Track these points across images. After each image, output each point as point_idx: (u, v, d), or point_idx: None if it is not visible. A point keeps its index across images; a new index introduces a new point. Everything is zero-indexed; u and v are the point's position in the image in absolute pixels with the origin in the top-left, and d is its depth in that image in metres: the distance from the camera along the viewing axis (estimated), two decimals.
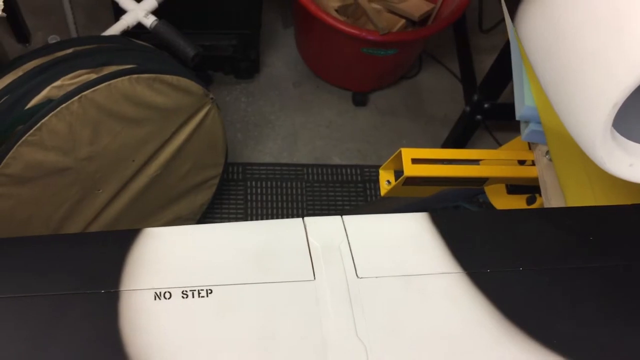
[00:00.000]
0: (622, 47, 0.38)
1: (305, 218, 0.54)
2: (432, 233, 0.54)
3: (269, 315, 0.47)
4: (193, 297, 0.47)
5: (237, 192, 1.94)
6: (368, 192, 1.98)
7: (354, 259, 0.51)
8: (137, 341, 0.43)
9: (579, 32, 0.41)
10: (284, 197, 1.95)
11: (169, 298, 0.46)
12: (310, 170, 2.00)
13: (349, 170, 2.01)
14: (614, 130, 0.45)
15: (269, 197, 1.94)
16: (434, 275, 0.52)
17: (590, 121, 0.43)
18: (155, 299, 0.46)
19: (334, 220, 0.54)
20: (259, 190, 1.95)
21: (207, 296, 0.47)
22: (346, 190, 1.98)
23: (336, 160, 2.03)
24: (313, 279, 0.50)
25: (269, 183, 1.96)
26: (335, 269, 0.50)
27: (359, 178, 2.00)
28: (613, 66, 0.39)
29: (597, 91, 0.41)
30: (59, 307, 0.45)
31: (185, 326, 0.45)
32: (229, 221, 1.88)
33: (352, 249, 0.52)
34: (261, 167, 1.98)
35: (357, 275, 0.50)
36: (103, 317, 0.44)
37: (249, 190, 1.94)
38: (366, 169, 2.01)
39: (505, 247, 0.56)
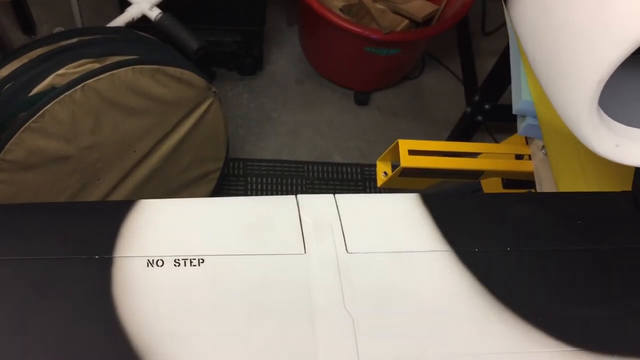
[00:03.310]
0: (607, 23, 0.39)
1: (299, 195, 0.55)
2: (422, 213, 0.55)
3: (259, 285, 0.48)
4: (185, 265, 0.48)
5: (238, 187, 1.95)
6: (368, 190, 1.99)
7: (345, 235, 0.52)
8: (128, 305, 0.44)
9: (565, 10, 0.42)
10: (284, 194, 1.95)
11: (161, 265, 0.47)
12: (310, 168, 2.01)
13: (349, 169, 2.02)
14: (601, 111, 0.46)
15: (269, 193, 1.95)
16: (422, 252, 0.53)
17: (576, 98, 0.44)
18: (147, 265, 0.47)
19: (326, 198, 0.55)
20: (259, 186, 1.96)
21: (199, 265, 0.48)
22: (346, 188, 1.98)
23: (337, 159, 2.04)
24: (304, 252, 0.51)
25: (269, 179, 1.97)
26: (325, 244, 0.51)
27: (359, 177, 2.01)
28: (598, 42, 0.40)
29: (583, 68, 0.42)
30: (52, 270, 0.46)
31: (176, 292, 0.46)
32: None
33: (343, 225, 0.53)
34: (262, 163, 1.99)
35: (347, 251, 0.51)
36: (96, 282, 0.45)
37: (249, 186, 1.95)
38: (366, 168, 2.02)
39: (494, 228, 0.57)
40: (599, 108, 0.45)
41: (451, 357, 0.46)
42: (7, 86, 1.25)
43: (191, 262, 0.48)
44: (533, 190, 1.00)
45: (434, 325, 0.47)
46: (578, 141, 0.79)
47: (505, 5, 0.51)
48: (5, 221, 0.49)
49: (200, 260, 0.48)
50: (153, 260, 0.47)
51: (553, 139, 0.86)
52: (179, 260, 0.47)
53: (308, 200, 0.54)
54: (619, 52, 0.39)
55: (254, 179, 1.96)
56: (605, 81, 0.41)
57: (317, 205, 0.54)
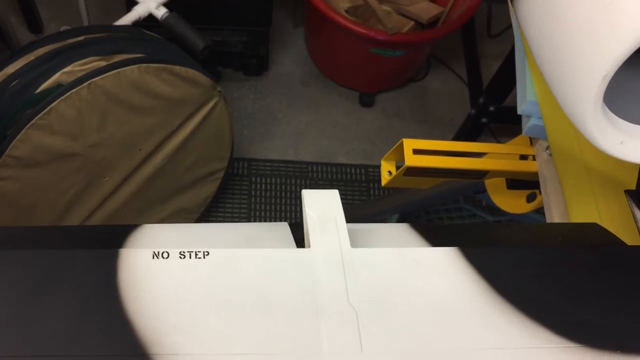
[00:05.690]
0: (612, 18, 0.39)
1: (303, 190, 0.55)
2: (413, 234, 0.56)
3: (264, 278, 0.48)
4: (190, 257, 0.48)
5: (242, 187, 1.95)
6: (372, 191, 1.99)
7: (349, 230, 0.52)
8: (133, 295, 0.45)
9: (572, 5, 0.42)
10: (288, 194, 1.96)
11: (166, 257, 0.47)
12: (314, 169, 2.01)
13: (353, 170, 2.03)
14: (606, 108, 0.46)
15: (273, 193, 1.96)
16: (426, 248, 0.53)
17: (581, 94, 0.44)
18: (153, 257, 0.47)
19: (330, 193, 0.55)
20: (263, 186, 1.96)
21: (204, 258, 0.48)
22: (350, 189, 1.99)
23: (341, 160, 2.04)
24: (308, 247, 0.51)
25: (273, 179, 1.98)
26: (330, 239, 0.51)
27: (363, 178, 2.02)
28: (603, 37, 0.40)
29: (588, 63, 0.42)
30: (58, 260, 0.46)
31: (181, 283, 0.46)
32: (233, 215, 1.90)
33: (347, 220, 0.53)
34: (266, 164, 2.00)
35: (351, 246, 0.51)
36: (101, 272, 0.46)
37: (253, 186, 1.96)
38: (370, 169, 2.03)
39: (489, 236, 0.58)
40: (604, 105, 0.45)
41: (454, 352, 0.46)
42: (14, 83, 1.25)
43: (196, 254, 0.48)
44: (537, 192, 1.00)
45: (437, 320, 0.47)
46: (583, 141, 0.79)
47: (511, 3, 0.51)
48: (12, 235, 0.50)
49: (206, 253, 0.48)
50: (159, 252, 0.47)
51: (557, 139, 0.86)
52: (184, 252, 0.48)
53: (312, 195, 0.55)
54: (624, 48, 0.39)
55: (258, 179, 1.97)
56: (610, 77, 0.41)
57: (322, 200, 0.54)
